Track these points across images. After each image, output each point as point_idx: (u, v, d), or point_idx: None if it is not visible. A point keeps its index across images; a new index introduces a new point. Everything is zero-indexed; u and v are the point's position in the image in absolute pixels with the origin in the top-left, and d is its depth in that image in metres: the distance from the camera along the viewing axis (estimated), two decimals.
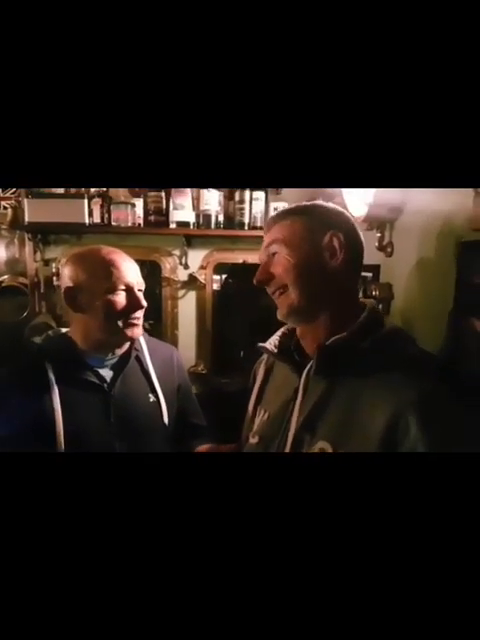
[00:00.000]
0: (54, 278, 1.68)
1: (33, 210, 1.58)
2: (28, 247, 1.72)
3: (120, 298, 0.86)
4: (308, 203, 0.70)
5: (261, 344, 0.74)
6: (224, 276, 1.89)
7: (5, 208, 2.36)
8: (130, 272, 0.88)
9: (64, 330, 0.96)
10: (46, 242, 1.71)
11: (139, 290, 0.90)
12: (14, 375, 0.89)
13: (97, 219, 1.58)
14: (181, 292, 1.79)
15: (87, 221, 1.58)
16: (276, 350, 0.73)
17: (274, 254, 0.67)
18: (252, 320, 1.94)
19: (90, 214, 1.58)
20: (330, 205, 0.69)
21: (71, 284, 0.87)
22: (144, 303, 0.89)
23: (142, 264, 0.93)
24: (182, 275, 1.77)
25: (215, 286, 1.82)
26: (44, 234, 1.70)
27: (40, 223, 1.59)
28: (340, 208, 0.69)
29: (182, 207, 1.61)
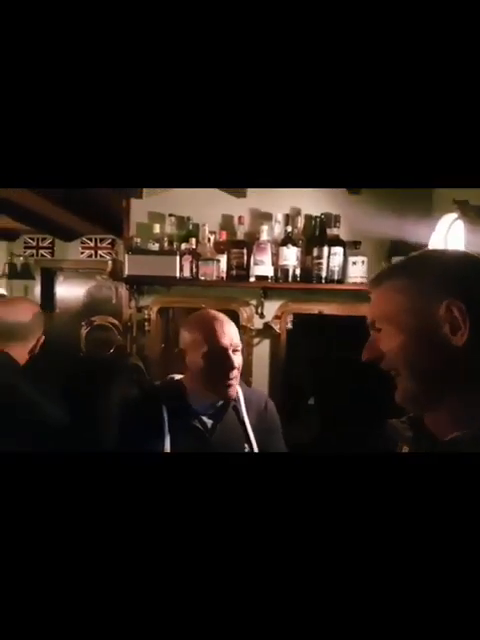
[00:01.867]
0: (145, 323, 1.87)
1: (132, 264, 1.81)
2: (124, 295, 1.95)
3: (216, 360, 0.94)
4: (416, 254, 0.54)
5: (390, 420, 0.60)
6: (292, 323, 1.94)
7: (102, 257, 2.71)
8: (226, 335, 0.96)
9: (178, 377, 1.08)
10: (140, 291, 1.93)
11: (234, 351, 0.97)
12: (133, 411, 1.05)
13: (187, 273, 1.77)
14: (256, 340, 1.88)
15: (178, 274, 1.77)
16: (408, 430, 0.56)
17: (379, 329, 0.54)
18: (323, 368, 1.97)
19: (180, 268, 1.77)
20: (448, 251, 0.53)
21: (182, 347, 1.00)
22: (236, 364, 0.96)
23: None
24: (258, 323, 1.87)
25: (288, 335, 1.90)
26: (139, 284, 1.92)
27: (138, 276, 1.81)
28: (465, 252, 0.53)
29: (262, 262, 1.74)
